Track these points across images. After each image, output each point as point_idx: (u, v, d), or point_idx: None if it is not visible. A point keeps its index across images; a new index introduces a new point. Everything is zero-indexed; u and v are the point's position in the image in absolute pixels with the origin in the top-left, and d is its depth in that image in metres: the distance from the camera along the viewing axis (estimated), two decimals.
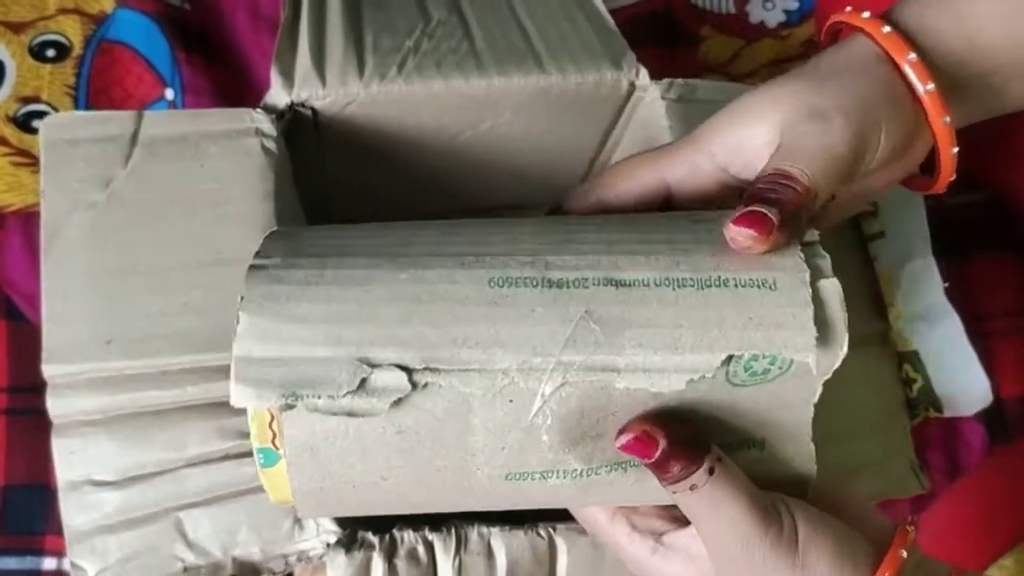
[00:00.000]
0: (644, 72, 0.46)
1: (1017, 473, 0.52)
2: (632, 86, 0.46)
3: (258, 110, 0.42)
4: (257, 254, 0.32)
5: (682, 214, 0.34)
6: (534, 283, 0.30)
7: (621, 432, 0.30)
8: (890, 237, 0.50)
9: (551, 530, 0.38)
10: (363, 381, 0.28)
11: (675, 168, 0.36)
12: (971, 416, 0.51)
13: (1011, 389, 0.52)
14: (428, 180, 0.51)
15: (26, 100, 0.53)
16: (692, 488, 0.30)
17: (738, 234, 0.30)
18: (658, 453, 0.30)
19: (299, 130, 0.45)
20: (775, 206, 0.30)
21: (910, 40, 0.35)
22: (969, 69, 0.36)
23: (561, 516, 0.39)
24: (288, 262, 0.31)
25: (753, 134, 0.34)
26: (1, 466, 0.46)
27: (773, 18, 0.62)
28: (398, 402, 0.28)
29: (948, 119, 0.35)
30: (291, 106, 0.43)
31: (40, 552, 0.45)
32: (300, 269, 0.30)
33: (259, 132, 0.42)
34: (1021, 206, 0.54)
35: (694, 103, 0.46)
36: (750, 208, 0.30)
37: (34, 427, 0.38)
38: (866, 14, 0.36)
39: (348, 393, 0.28)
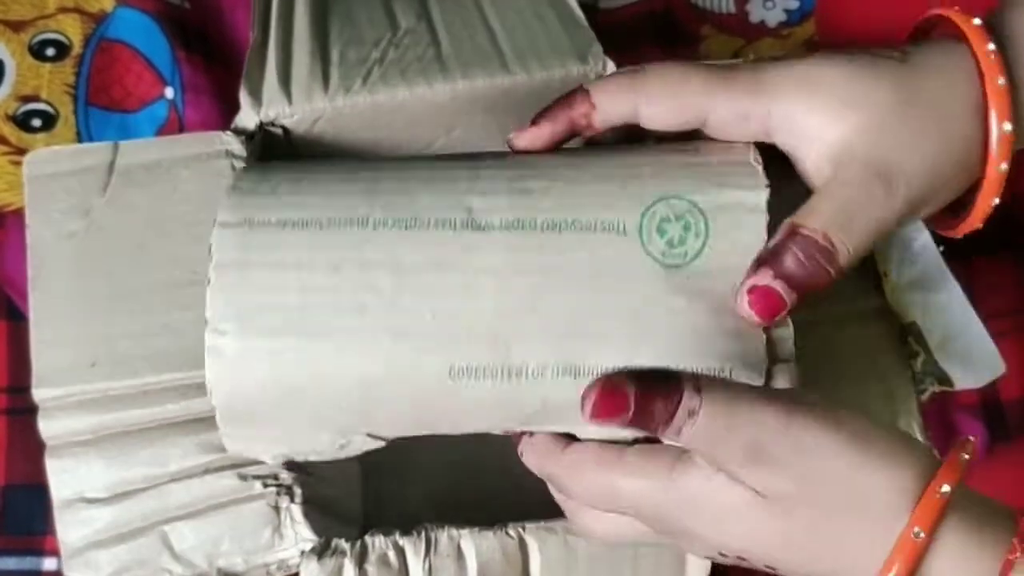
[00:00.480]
0: (611, 64, 0.45)
1: (1017, 473, 0.50)
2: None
3: (228, 132, 0.44)
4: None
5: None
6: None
7: (584, 399, 0.28)
8: None
9: (521, 530, 0.38)
10: None
11: (726, 107, 0.33)
12: (971, 416, 0.49)
13: (1011, 389, 0.50)
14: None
15: (26, 99, 0.54)
16: (691, 415, 0.28)
17: (747, 313, 0.29)
18: (631, 401, 0.28)
19: (274, 149, 0.46)
20: (796, 289, 0.29)
21: (1005, 59, 0.31)
22: None
23: (531, 516, 0.39)
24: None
25: (810, 128, 0.32)
26: (1, 466, 0.47)
27: (773, 17, 0.61)
28: None
29: (1005, 166, 0.32)
30: (261, 126, 0.44)
31: (40, 552, 0.46)
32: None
33: (229, 154, 0.43)
34: (1021, 205, 0.52)
35: None
36: (768, 285, 0.29)
37: (34, 427, 0.39)
38: (977, 20, 0.32)
39: None
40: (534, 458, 0.33)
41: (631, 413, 0.28)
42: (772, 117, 0.32)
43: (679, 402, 0.28)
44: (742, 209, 0.30)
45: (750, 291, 0.29)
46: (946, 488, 0.28)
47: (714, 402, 0.28)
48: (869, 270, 0.50)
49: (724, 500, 0.29)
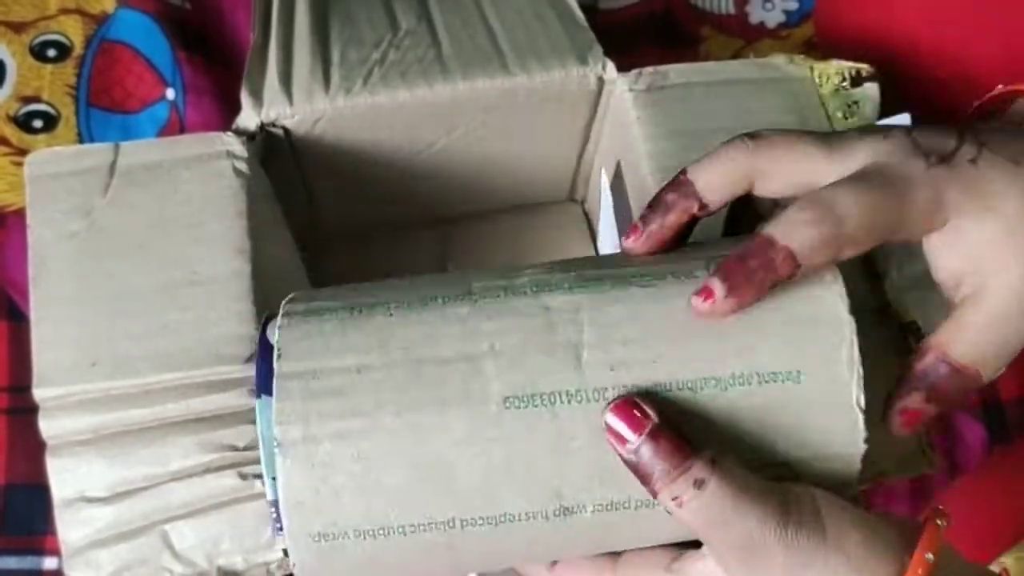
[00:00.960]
0: (611, 65, 0.46)
1: (1017, 473, 0.50)
2: (600, 81, 0.46)
3: (229, 133, 0.44)
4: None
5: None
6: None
7: (607, 407, 0.28)
8: None
9: None
10: None
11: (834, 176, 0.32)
12: (971, 416, 0.49)
13: (1011, 389, 0.50)
14: (413, 191, 0.51)
15: (27, 100, 0.54)
16: (696, 486, 0.28)
17: (895, 430, 0.31)
18: (647, 429, 0.27)
19: (276, 150, 0.46)
20: (936, 403, 0.31)
21: None
22: None
23: None
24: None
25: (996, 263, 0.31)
26: (2, 466, 0.47)
27: (773, 18, 0.61)
28: None
29: None
30: (262, 126, 0.44)
31: (40, 552, 0.46)
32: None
33: (230, 154, 0.43)
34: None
35: (666, 89, 0.45)
36: (919, 408, 0.31)
37: (35, 427, 0.40)
38: None
39: None
40: None
41: (639, 441, 0.28)
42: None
43: (687, 468, 0.28)
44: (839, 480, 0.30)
45: (902, 412, 0.31)
46: (929, 556, 0.28)
47: (725, 483, 0.28)
48: (869, 269, 0.50)
49: None
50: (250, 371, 0.40)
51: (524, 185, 0.54)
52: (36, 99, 0.54)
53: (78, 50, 0.55)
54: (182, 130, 0.54)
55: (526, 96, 0.46)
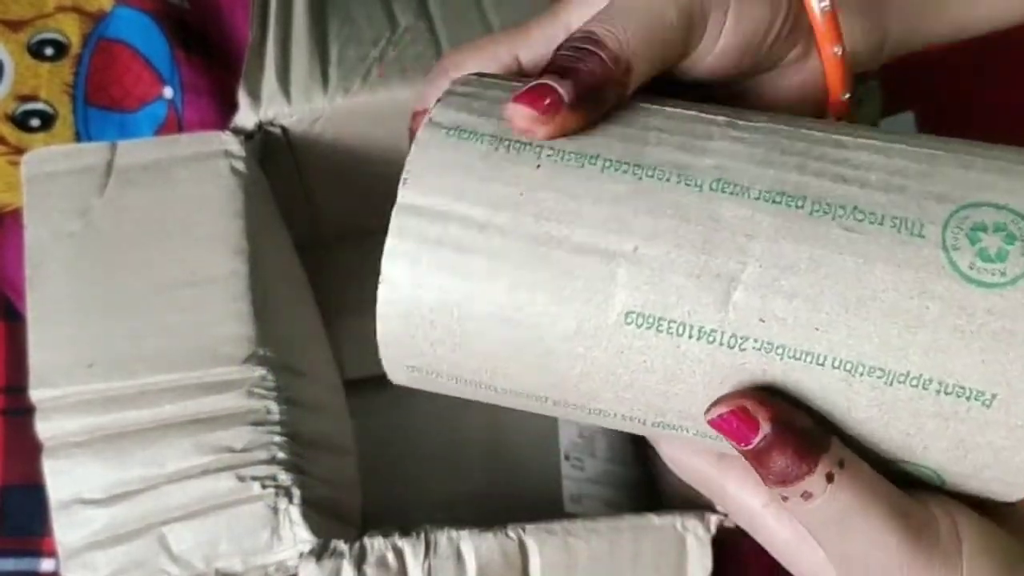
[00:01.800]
0: None
1: None
2: None
3: (227, 132, 0.43)
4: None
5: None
6: None
7: (712, 405, 0.25)
8: None
9: (521, 531, 0.38)
10: None
11: (531, 45, 0.30)
12: None
13: None
14: None
15: (24, 99, 0.54)
16: (806, 496, 0.24)
17: (515, 113, 0.25)
18: (758, 439, 0.24)
19: (274, 150, 0.46)
20: (569, 77, 0.25)
21: None
22: None
23: (531, 517, 0.39)
24: None
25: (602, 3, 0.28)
26: (0, 467, 0.47)
27: None
28: None
29: (838, 50, 0.29)
30: (260, 126, 0.44)
31: (38, 553, 0.46)
32: None
33: (228, 154, 0.43)
34: None
35: None
36: (538, 82, 0.25)
37: (32, 428, 0.39)
38: None
39: None
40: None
41: (750, 449, 0.24)
42: (572, 29, 0.29)
43: (813, 467, 0.24)
44: None
45: (516, 97, 0.25)
46: None
47: (855, 480, 0.24)
48: None
49: None
50: (248, 372, 0.39)
51: None
52: (33, 98, 0.54)
53: (76, 49, 0.55)
54: (180, 129, 0.53)
55: None
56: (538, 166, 0.26)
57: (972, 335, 0.23)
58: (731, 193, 0.25)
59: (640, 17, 0.27)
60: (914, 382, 0.24)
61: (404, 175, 0.26)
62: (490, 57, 0.31)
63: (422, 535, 0.38)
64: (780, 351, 0.24)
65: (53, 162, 0.43)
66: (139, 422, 0.39)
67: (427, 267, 0.26)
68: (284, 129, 0.45)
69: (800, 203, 0.24)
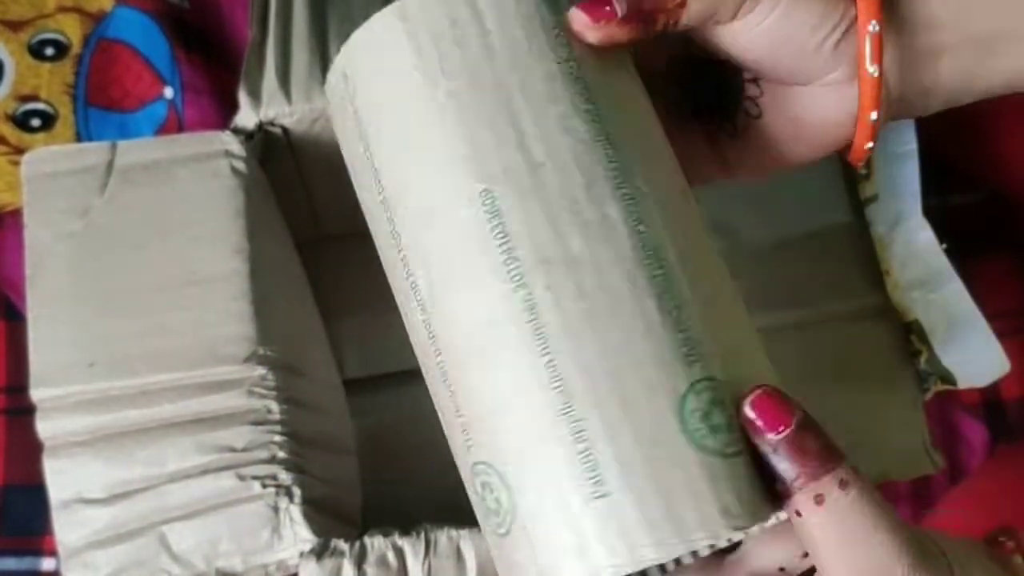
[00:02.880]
0: None
1: (1020, 474, 0.50)
2: None
3: (227, 132, 0.43)
4: None
5: None
6: None
7: (747, 393, 0.25)
8: (883, 199, 0.48)
9: None
10: None
11: None
12: (972, 416, 0.49)
13: (1013, 390, 0.50)
14: None
15: (25, 99, 0.54)
16: (819, 500, 0.24)
17: (573, 16, 0.28)
18: (795, 421, 0.25)
19: (274, 150, 0.46)
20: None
21: None
22: (934, 12, 0.30)
23: None
24: None
25: None
26: (0, 466, 0.47)
27: None
28: None
29: (874, 69, 0.30)
30: (260, 126, 0.44)
31: (39, 553, 0.46)
32: None
33: (228, 154, 0.43)
34: (1021, 205, 0.52)
35: None
36: None
37: (33, 427, 0.39)
38: None
39: None
40: None
41: (789, 432, 0.25)
42: None
43: (836, 463, 0.25)
44: None
45: (581, 5, 0.28)
46: None
47: (867, 495, 0.25)
48: (871, 268, 0.50)
49: None
50: (249, 371, 0.39)
51: None
52: (34, 98, 0.54)
53: (76, 49, 0.55)
54: (180, 129, 0.53)
55: None
56: None
57: None
58: None
59: None
60: None
61: None
62: None
63: (422, 534, 0.38)
64: None
65: (53, 162, 0.43)
66: (139, 421, 0.40)
67: None
68: (284, 129, 0.45)
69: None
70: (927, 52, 0.31)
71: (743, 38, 0.30)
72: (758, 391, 0.25)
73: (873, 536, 0.24)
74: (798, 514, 0.25)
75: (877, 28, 0.29)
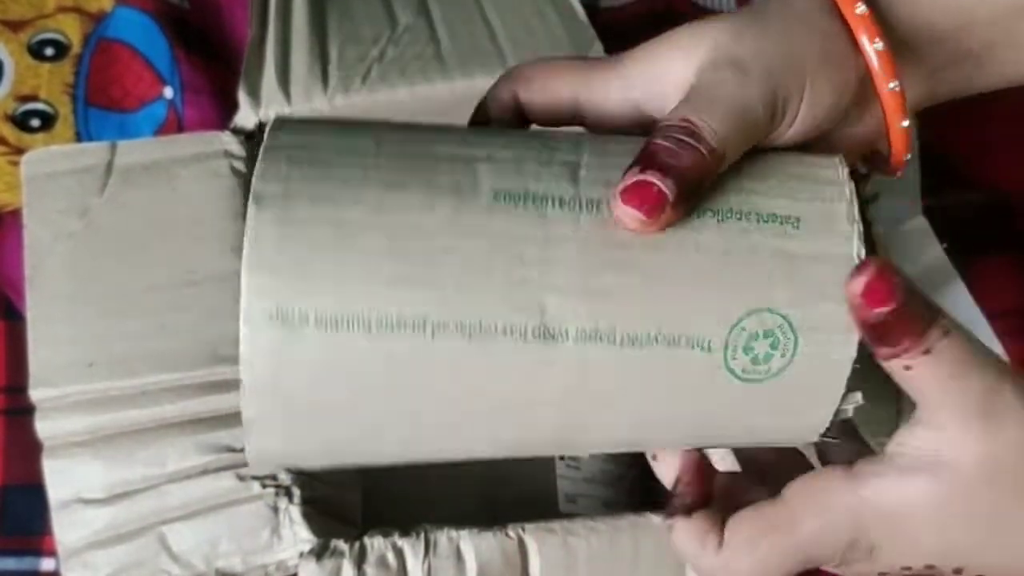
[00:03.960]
0: None
1: None
2: None
3: (227, 132, 0.43)
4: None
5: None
6: None
7: (851, 279, 0.27)
8: (883, 199, 0.49)
9: (520, 531, 0.38)
10: None
11: (590, 89, 0.32)
12: None
13: None
14: None
15: (24, 99, 0.54)
16: (926, 352, 0.26)
17: (623, 214, 0.26)
18: (899, 296, 0.26)
19: None
20: (671, 176, 0.26)
21: None
22: (937, 31, 0.31)
23: (531, 516, 0.39)
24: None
25: (671, 69, 0.30)
26: (0, 466, 0.47)
27: None
28: None
29: (895, 84, 0.30)
30: (260, 126, 0.44)
31: (38, 553, 0.46)
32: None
33: (228, 154, 0.43)
34: (1020, 205, 0.52)
35: None
36: (641, 178, 0.26)
37: (32, 427, 0.39)
38: None
39: None
40: (687, 546, 0.30)
41: (896, 305, 0.26)
42: (632, 87, 0.31)
43: (937, 316, 0.26)
44: (835, 329, 0.28)
45: (622, 193, 0.27)
46: None
47: (965, 337, 0.27)
48: None
49: (918, 500, 0.28)
50: None
51: None
52: (34, 98, 0.54)
53: (76, 49, 0.55)
54: (180, 129, 0.53)
55: None
56: (380, 142, 0.29)
57: (770, 177, 0.29)
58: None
59: (730, 106, 0.28)
60: (738, 215, 0.28)
61: (266, 130, 0.28)
62: (552, 90, 0.32)
63: (422, 535, 0.38)
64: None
65: (53, 162, 0.43)
66: (139, 422, 0.40)
67: (301, 180, 0.27)
68: None
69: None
70: (930, 66, 0.31)
71: (772, 144, 0.30)
72: (863, 269, 0.26)
73: (978, 368, 0.27)
74: (907, 368, 0.27)
75: (882, 46, 0.30)
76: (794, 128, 0.30)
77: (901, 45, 0.30)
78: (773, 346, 0.28)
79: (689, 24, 0.31)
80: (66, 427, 0.40)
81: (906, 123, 0.31)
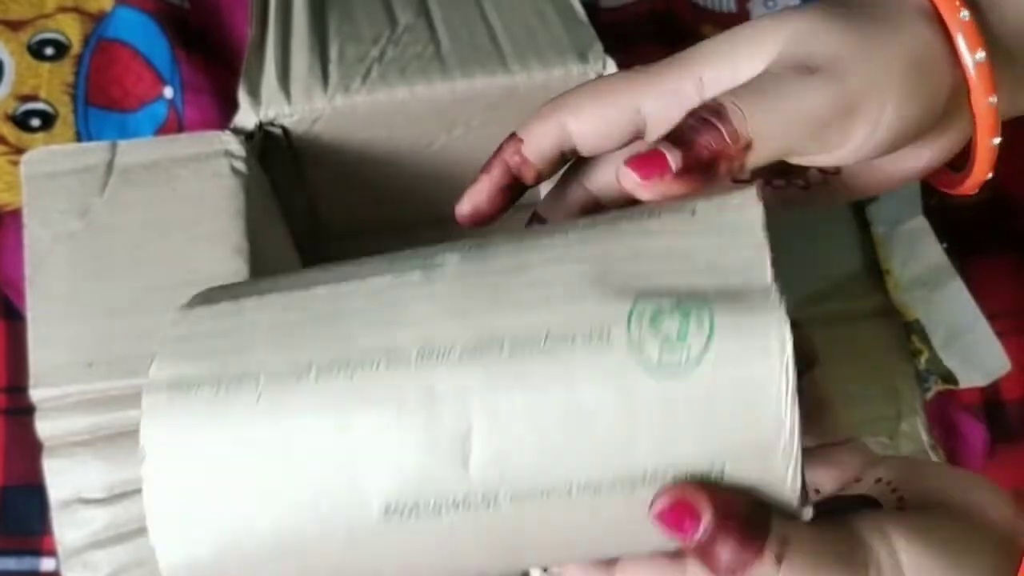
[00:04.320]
0: (611, 63, 0.45)
1: (1019, 473, 0.50)
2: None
3: (227, 132, 0.43)
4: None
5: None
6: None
7: (654, 500, 0.24)
8: (883, 199, 0.49)
9: None
10: None
11: (654, 95, 0.29)
12: (972, 416, 0.49)
13: (1013, 390, 0.50)
14: (412, 191, 0.51)
15: (25, 99, 0.54)
16: (779, 559, 0.24)
17: (623, 176, 0.25)
18: (702, 528, 0.23)
19: (274, 149, 0.46)
20: (681, 146, 0.25)
21: None
22: None
23: None
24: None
25: (746, 67, 0.27)
26: (0, 466, 0.47)
27: None
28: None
29: (993, 99, 0.27)
30: (260, 126, 0.44)
31: (38, 553, 0.46)
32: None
33: (228, 154, 0.43)
34: (1020, 205, 0.52)
35: None
36: (651, 146, 0.25)
37: (33, 427, 0.39)
38: None
39: None
40: None
41: (699, 537, 0.23)
42: (704, 85, 0.28)
43: (760, 552, 0.23)
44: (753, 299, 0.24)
45: (627, 161, 0.25)
46: None
47: (803, 562, 0.24)
48: (872, 268, 0.50)
49: None
50: None
51: None
52: (34, 98, 0.54)
53: (76, 49, 0.55)
54: (180, 129, 0.53)
55: (526, 94, 0.45)
56: (258, 399, 0.26)
57: (683, 424, 0.24)
58: (438, 358, 0.25)
59: (777, 101, 0.26)
60: (654, 478, 0.24)
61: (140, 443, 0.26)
62: (609, 104, 0.29)
63: None
64: (527, 493, 0.24)
65: (53, 162, 0.43)
66: (138, 421, 0.39)
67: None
68: (284, 129, 0.45)
69: (499, 348, 0.25)
70: (1019, 77, 0.29)
71: (823, 160, 0.28)
72: (664, 501, 0.24)
73: None
74: None
75: (984, 57, 0.27)
76: (874, 140, 0.27)
77: (995, 55, 0.28)
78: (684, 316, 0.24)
79: (770, 16, 0.28)
80: (66, 427, 0.40)
81: (998, 140, 0.28)
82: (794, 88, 0.26)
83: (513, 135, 0.31)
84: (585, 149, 0.30)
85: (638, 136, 0.30)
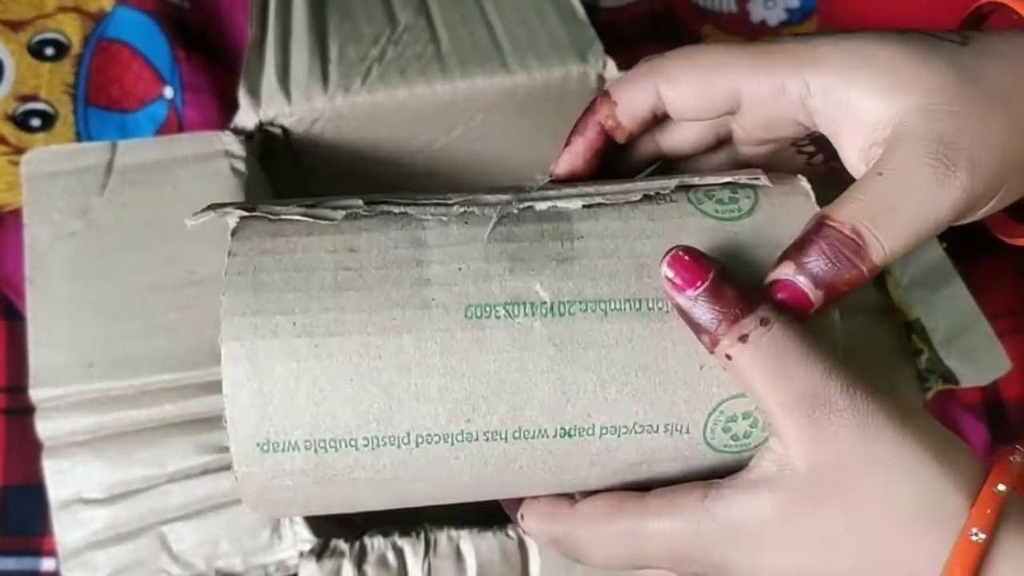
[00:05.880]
0: (612, 63, 0.45)
1: (1021, 474, 0.50)
2: (601, 79, 0.46)
3: (227, 132, 0.43)
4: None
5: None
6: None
7: (670, 251, 0.26)
8: None
9: (521, 531, 0.38)
10: None
11: (757, 83, 0.28)
12: (972, 416, 0.49)
13: (1013, 390, 0.50)
14: (412, 190, 0.51)
15: (25, 99, 0.54)
16: (743, 339, 0.25)
17: (772, 292, 0.26)
18: (711, 276, 0.25)
19: (274, 150, 0.46)
20: (822, 288, 0.26)
21: None
22: None
23: None
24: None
25: (866, 108, 0.27)
26: (0, 466, 0.47)
27: (775, 17, 0.60)
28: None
29: None
30: (260, 126, 0.44)
31: (38, 553, 0.46)
32: None
33: (228, 154, 0.43)
34: (1020, 205, 0.52)
35: None
36: (792, 280, 0.26)
37: (33, 427, 0.39)
38: None
39: None
40: (537, 521, 0.30)
41: (707, 284, 0.25)
42: (811, 92, 0.28)
43: (755, 304, 0.25)
44: None
45: (773, 285, 0.26)
46: (1002, 487, 0.25)
47: (791, 328, 0.25)
48: None
49: (761, 515, 0.26)
50: None
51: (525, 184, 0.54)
52: (34, 98, 0.54)
53: (76, 49, 0.55)
54: (180, 129, 0.53)
55: (526, 95, 0.45)
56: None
57: None
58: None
59: (913, 221, 0.26)
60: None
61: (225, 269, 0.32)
62: (708, 79, 0.29)
63: (422, 534, 0.38)
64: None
65: (53, 162, 0.43)
66: (139, 422, 0.40)
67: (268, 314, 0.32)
68: (284, 129, 0.45)
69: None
70: None
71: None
72: (673, 251, 0.26)
73: (801, 363, 0.25)
74: (728, 358, 0.26)
75: None
76: (979, 214, 0.28)
77: None
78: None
79: (903, 55, 0.27)
80: (66, 427, 0.40)
81: None
82: (931, 202, 0.26)
83: (606, 95, 0.31)
84: (677, 116, 0.30)
85: (731, 113, 0.30)
